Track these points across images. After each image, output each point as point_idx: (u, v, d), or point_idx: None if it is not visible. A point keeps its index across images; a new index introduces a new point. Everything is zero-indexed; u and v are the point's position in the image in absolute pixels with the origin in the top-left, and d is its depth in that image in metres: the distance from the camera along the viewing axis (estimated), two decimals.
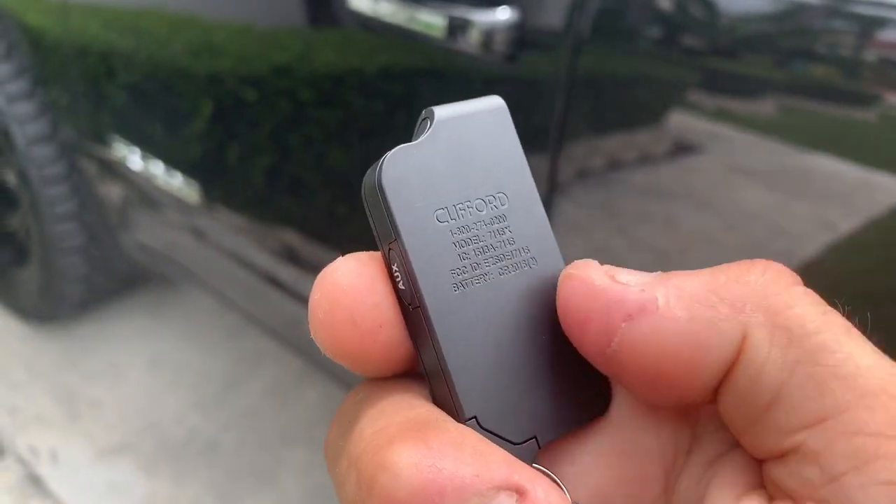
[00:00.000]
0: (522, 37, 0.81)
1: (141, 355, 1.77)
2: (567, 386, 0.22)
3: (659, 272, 0.22)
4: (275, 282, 1.28)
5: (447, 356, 0.21)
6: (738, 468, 0.20)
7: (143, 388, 1.69)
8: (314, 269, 1.20)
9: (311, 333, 0.22)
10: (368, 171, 0.22)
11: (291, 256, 1.23)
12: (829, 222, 0.67)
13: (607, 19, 0.75)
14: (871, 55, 0.63)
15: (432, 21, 0.86)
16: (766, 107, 0.69)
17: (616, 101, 0.79)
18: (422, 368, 0.22)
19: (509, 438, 0.21)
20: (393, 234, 0.21)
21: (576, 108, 0.78)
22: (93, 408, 1.64)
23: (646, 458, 0.22)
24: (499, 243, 0.22)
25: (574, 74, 0.77)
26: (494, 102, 0.24)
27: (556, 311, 0.22)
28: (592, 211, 0.80)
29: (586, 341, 0.21)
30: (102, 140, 1.48)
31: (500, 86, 0.84)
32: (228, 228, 1.33)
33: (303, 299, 1.25)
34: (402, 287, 0.21)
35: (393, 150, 0.22)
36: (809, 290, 0.20)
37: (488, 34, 0.82)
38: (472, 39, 0.83)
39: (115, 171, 1.50)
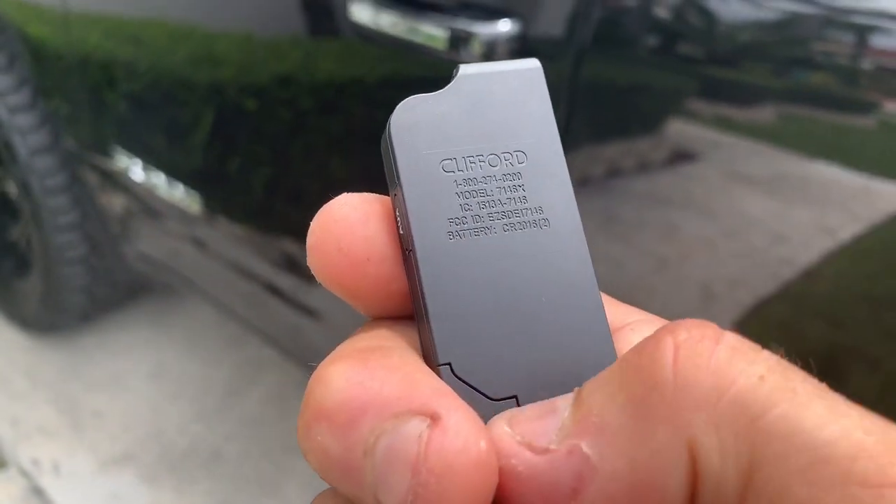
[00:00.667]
0: (524, 48, 0.81)
1: (143, 365, 1.77)
2: (559, 350, 0.21)
3: (571, 395, 0.19)
4: (275, 291, 1.28)
5: (429, 299, 0.20)
6: None
7: (145, 398, 1.69)
8: (315, 278, 1.20)
9: (307, 260, 0.22)
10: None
11: (292, 266, 1.23)
12: (829, 229, 0.68)
13: (608, 29, 0.75)
14: (868, 63, 0.64)
15: (434, 33, 0.87)
16: (765, 114, 0.69)
17: (617, 109, 0.79)
18: (416, 318, 0.22)
19: (485, 392, 0.20)
20: (396, 177, 0.21)
21: (578, 116, 0.79)
22: (95, 418, 1.64)
23: None
24: (508, 200, 0.22)
25: (576, 84, 0.77)
26: (529, 63, 0.23)
27: (558, 273, 0.21)
28: (593, 218, 0.81)
29: None
30: (104, 151, 1.48)
31: None
32: (229, 238, 1.33)
33: (303, 308, 1.25)
34: (401, 231, 0.21)
35: (408, 98, 0.22)
36: (737, 343, 0.17)
37: (490, 46, 0.82)
38: (473, 51, 0.83)
39: (117, 181, 1.50)
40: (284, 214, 1.23)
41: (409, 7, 0.89)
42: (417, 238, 0.21)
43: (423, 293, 0.20)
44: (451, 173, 0.21)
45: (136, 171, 1.43)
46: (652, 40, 0.75)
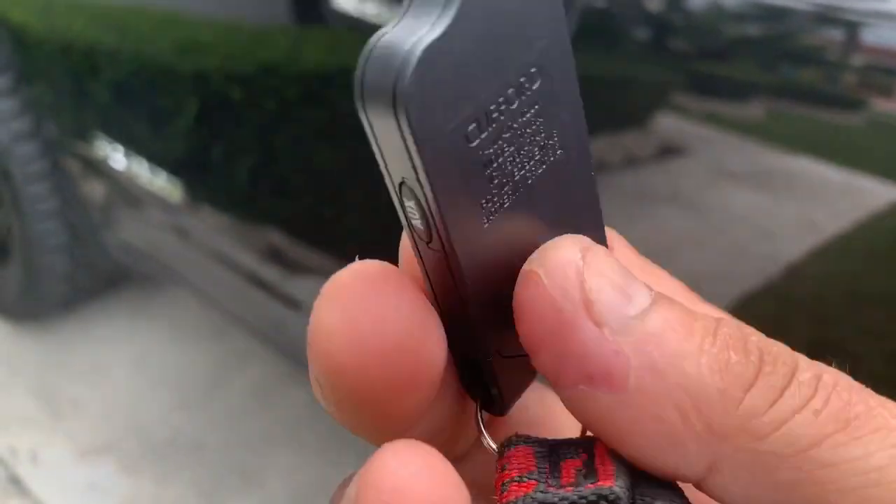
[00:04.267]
0: None
1: (124, 355, 1.76)
2: None
3: (667, 300, 0.17)
4: (258, 282, 1.27)
5: (472, 299, 0.18)
6: None
7: (126, 387, 1.68)
8: (299, 269, 1.19)
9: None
10: (367, 71, 0.16)
11: (276, 257, 1.22)
12: (815, 225, 0.68)
13: (592, 20, 0.75)
14: (857, 60, 0.63)
15: None
16: (753, 110, 0.69)
17: (602, 102, 0.79)
18: (433, 302, 0.19)
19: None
20: (413, 169, 0.16)
21: None
22: (75, 407, 1.63)
23: None
24: (529, 143, 0.18)
25: None
26: None
27: (571, 206, 0.20)
28: None
29: (539, 364, 0.18)
30: (86, 138, 1.47)
31: None
32: (213, 228, 1.32)
33: (287, 300, 1.24)
34: (420, 226, 0.17)
35: (421, 48, 0.15)
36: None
37: None
38: None
39: (99, 169, 1.48)
40: (268, 205, 1.22)
41: None
42: (456, 241, 0.17)
43: (465, 296, 0.18)
44: (477, 142, 0.17)
45: (119, 158, 1.41)
46: (638, 32, 0.74)
